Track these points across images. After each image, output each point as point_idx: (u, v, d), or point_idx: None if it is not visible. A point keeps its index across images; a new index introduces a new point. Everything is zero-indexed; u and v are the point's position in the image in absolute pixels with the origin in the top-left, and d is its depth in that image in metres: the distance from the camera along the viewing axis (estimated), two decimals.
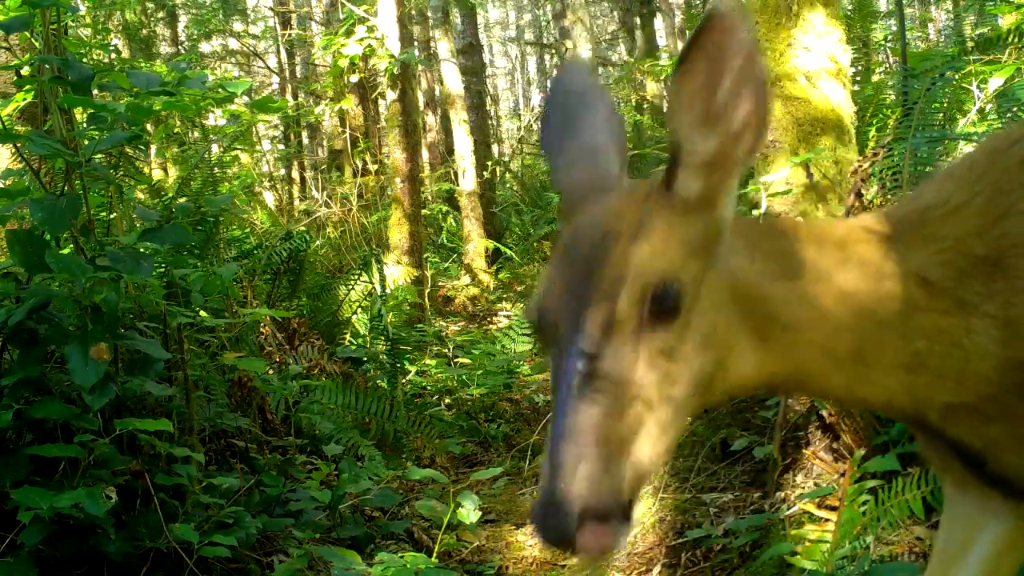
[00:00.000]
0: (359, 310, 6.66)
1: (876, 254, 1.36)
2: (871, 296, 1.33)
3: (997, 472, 1.40)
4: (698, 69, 1.17)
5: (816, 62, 4.36)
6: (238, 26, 16.91)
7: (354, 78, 11.45)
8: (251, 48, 17.51)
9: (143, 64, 8.56)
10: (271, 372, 4.62)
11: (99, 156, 2.85)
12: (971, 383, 1.34)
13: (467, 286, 10.71)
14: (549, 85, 1.46)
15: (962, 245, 1.35)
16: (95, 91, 2.76)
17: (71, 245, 2.86)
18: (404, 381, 5.69)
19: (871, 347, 1.33)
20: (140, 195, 5.60)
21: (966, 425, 1.38)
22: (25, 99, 3.32)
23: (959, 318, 1.33)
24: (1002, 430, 1.36)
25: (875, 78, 6.72)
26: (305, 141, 17.35)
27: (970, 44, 4.89)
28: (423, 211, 10.41)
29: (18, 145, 2.82)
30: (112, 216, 3.86)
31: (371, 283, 6.57)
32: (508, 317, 8.85)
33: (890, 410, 1.56)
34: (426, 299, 8.64)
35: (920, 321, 1.33)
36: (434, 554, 3.26)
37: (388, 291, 6.60)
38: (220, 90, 3.57)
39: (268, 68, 17.93)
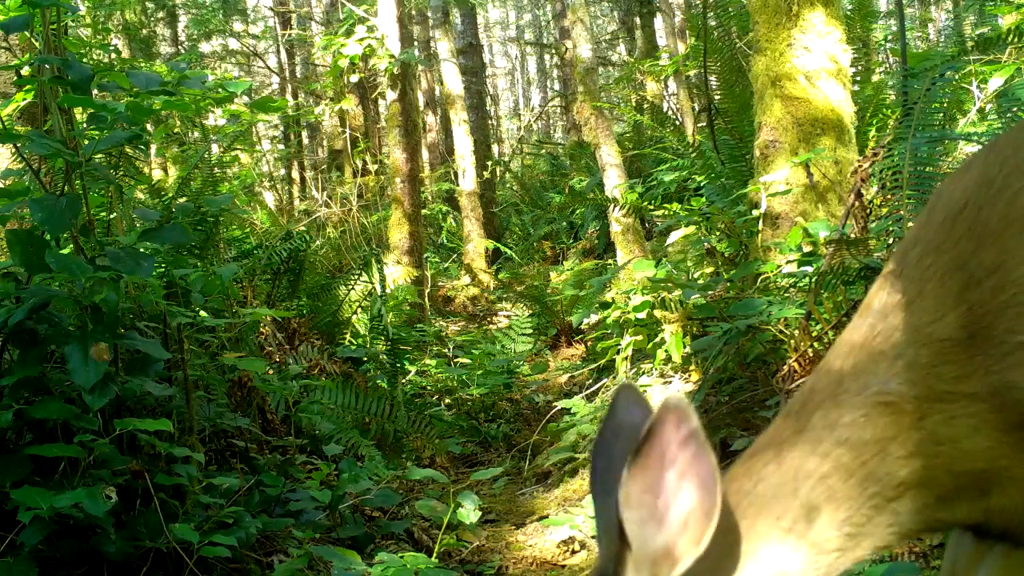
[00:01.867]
0: (359, 310, 6.66)
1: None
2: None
3: (999, 534, 1.41)
4: (650, 464, 1.26)
5: (816, 62, 4.36)
6: (238, 26, 16.91)
7: (354, 78, 11.46)
8: (251, 48, 17.51)
9: (143, 64, 8.56)
10: (271, 372, 4.62)
11: (99, 156, 2.85)
12: (965, 466, 1.36)
13: (467, 286, 10.72)
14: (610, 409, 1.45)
15: (923, 337, 1.38)
16: (95, 91, 2.76)
17: (71, 245, 2.86)
18: (404, 381, 5.69)
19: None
20: (140, 195, 5.59)
21: (964, 507, 1.39)
22: (25, 99, 3.32)
23: (936, 416, 1.35)
24: (1000, 498, 1.36)
25: (875, 78, 6.72)
26: (305, 141, 17.36)
27: (970, 44, 4.89)
28: (423, 211, 10.41)
29: (18, 145, 2.82)
30: (112, 216, 3.86)
31: (371, 283, 6.57)
32: (508, 317, 8.85)
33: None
34: (426, 299, 8.64)
35: (896, 451, 1.37)
36: (434, 554, 3.26)
37: (388, 291, 6.60)
38: (220, 90, 3.57)
39: (268, 68, 17.93)
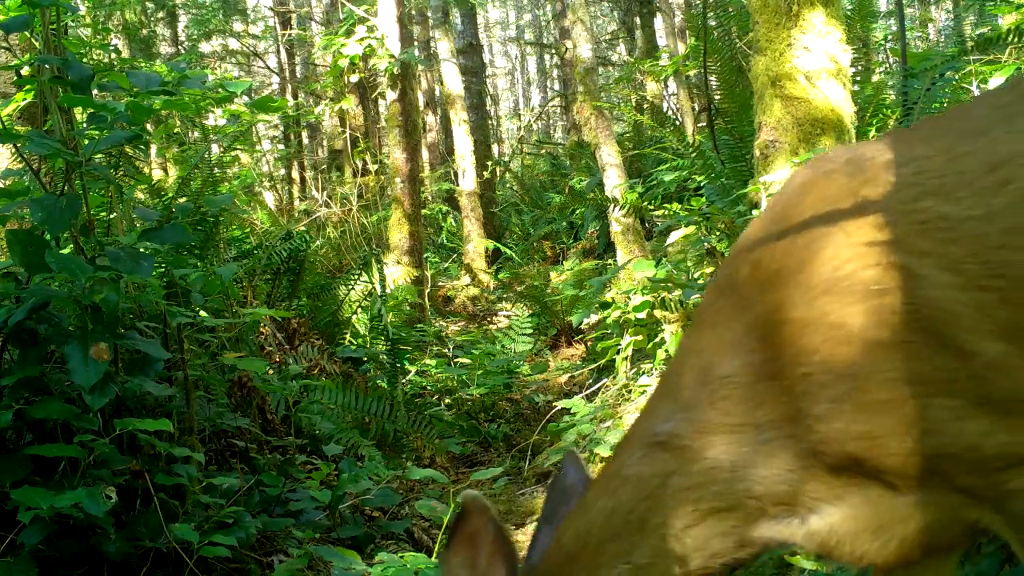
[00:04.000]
0: (359, 310, 6.66)
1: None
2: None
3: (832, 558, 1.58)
4: (460, 550, 1.61)
5: (816, 62, 4.36)
6: (238, 26, 16.91)
7: (354, 78, 11.46)
8: (251, 48, 17.51)
9: (143, 64, 8.56)
10: (271, 372, 4.62)
11: (99, 156, 2.85)
12: (761, 491, 1.52)
13: (467, 286, 10.71)
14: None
15: (707, 377, 1.55)
16: (95, 91, 2.76)
17: (71, 245, 2.86)
18: (404, 381, 5.68)
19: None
20: (140, 195, 5.59)
21: (778, 529, 1.53)
22: (25, 99, 3.32)
23: (721, 447, 1.53)
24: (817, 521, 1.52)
25: (875, 78, 6.72)
26: (305, 141, 17.35)
27: (970, 44, 4.89)
28: (423, 211, 10.41)
29: (18, 145, 2.82)
30: (112, 216, 3.86)
31: (371, 283, 6.57)
32: (508, 317, 8.85)
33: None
34: (426, 299, 8.64)
35: (678, 483, 1.56)
36: (434, 554, 3.26)
37: (388, 291, 6.60)
38: (220, 90, 3.57)
39: (268, 68, 17.93)
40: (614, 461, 1.66)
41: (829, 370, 1.45)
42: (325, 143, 16.45)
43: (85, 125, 2.76)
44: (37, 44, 3.02)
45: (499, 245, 11.51)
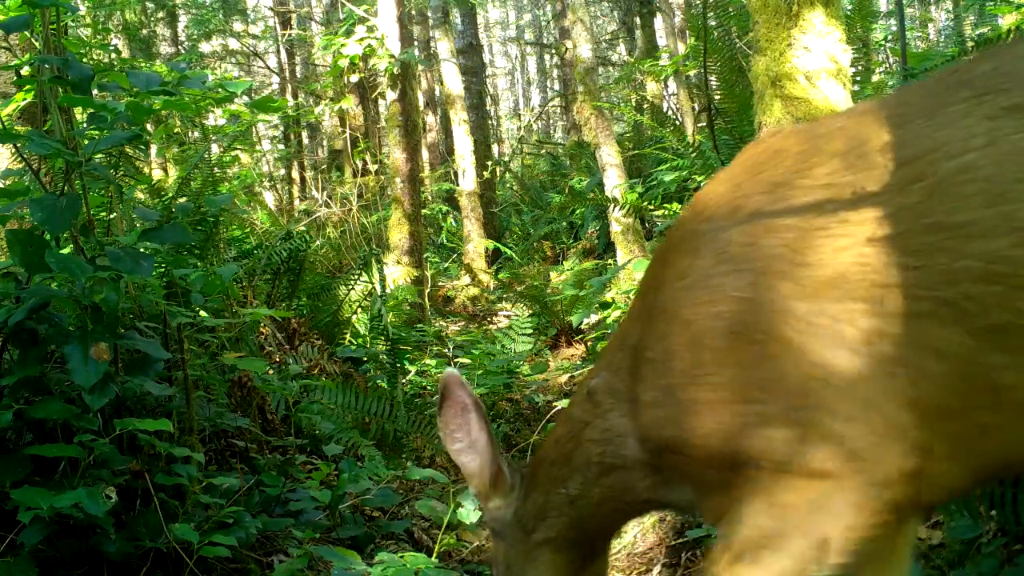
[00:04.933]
0: (359, 310, 6.66)
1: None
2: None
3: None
4: (452, 419, 2.09)
5: (816, 62, 4.36)
6: (238, 26, 16.90)
7: (354, 78, 11.45)
8: (251, 48, 17.51)
9: (143, 64, 8.56)
10: (271, 372, 4.62)
11: (99, 156, 2.85)
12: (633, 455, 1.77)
13: (467, 286, 10.71)
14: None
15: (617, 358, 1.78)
16: (95, 91, 2.76)
17: (71, 245, 2.86)
18: (404, 381, 5.68)
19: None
20: (140, 195, 5.59)
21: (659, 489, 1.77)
22: (25, 99, 3.32)
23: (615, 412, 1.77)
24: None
25: (875, 78, 6.72)
26: (305, 141, 17.36)
27: (970, 44, 4.89)
28: (423, 211, 10.41)
29: (18, 145, 2.82)
30: (112, 216, 3.86)
31: (371, 283, 6.56)
32: (508, 317, 8.85)
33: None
34: (426, 299, 8.64)
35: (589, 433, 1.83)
36: (434, 554, 3.26)
37: (388, 291, 6.60)
38: (220, 90, 3.57)
39: (268, 68, 17.93)
40: (573, 396, 1.96)
41: (665, 360, 1.58)
42: (325, 143, 16.45)
43: (85, 125, 2.75)
44: (37, 44, 3.02)
45: (499, 245, 11.51)
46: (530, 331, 7.40)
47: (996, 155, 1.34)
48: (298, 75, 16.89)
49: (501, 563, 2.01)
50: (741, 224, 1.52)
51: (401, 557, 2.82)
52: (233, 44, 16.93)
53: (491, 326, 9.05)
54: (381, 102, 10.47)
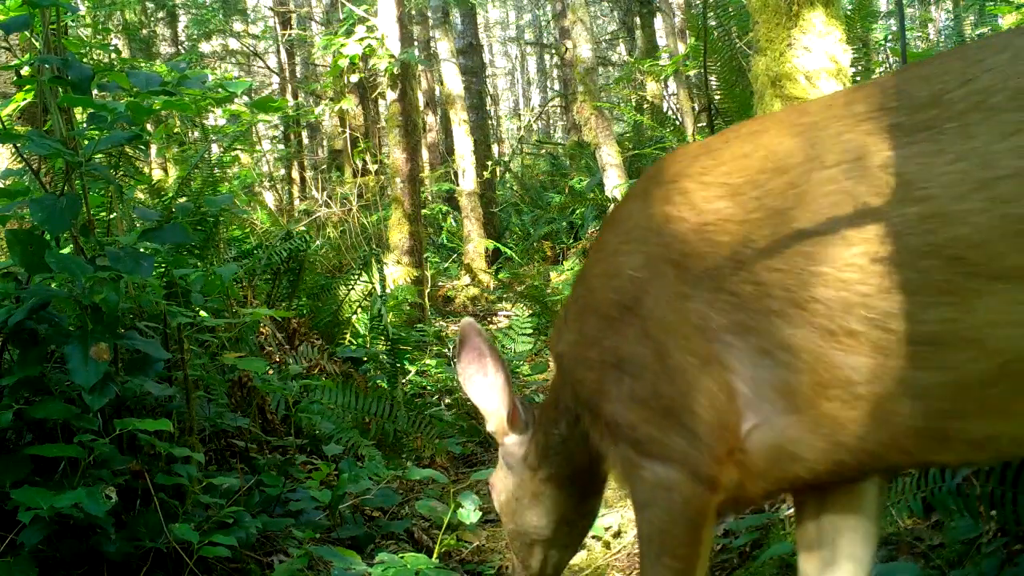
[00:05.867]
0: (359, 310, 6.66)
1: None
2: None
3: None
4: (470, 361, 2.19)
5: (816, 62, 4.36)
6: (238, 26, 16.90)
7: (354, 78, 11.46)
8: (251, 48, 17.51)
9: (143, 64, 8.56)
10: (271, 372, 4.62)
11: (99, 156, 2.85)
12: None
13: (467, 286, 10.71)
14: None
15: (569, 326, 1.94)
16: (95, 91, 2.76)
17: (71, 245, 2.86)
18: (404, 381, 5.68)
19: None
20: (140, 195, 5.59)
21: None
22: (25, 99, 3.32)
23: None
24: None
25: (875, 78, 6.70)
26: (305, 141, 17.35)
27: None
28: (423, 211, 10.41)
29: (18, 145, 2.82)
30: (112, 216, 3.86)
31: (371, 283, 6.56)
32: (508, 317, 8.85)
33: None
34: (426, 299, 8.64)
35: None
36: (434, 554, 3.26)
37: (388, 291, 6.60)
38: (220, 90, 3.57)
39: (268, 68, 17.93)
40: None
41: (574, 318, 1.84)
42: (325, 143, 16.45)
43: (85, 125, 2.75)
44: (37, 44, 3.02)
45: (499, 245, 11.51)
46: (530, 331, 7.40)
47: (858, 171, 1.44)
48: (298, 75, 16.89)
49: (511, 496, 2.20)
50: (647, 210, 1.70)
51: (401, 557, 2.82)
52: (233, 44, 16.93)
53: (491, 326, 9.04)
54: (381, 102, 10.48)
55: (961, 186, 1.33)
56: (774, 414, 1.53)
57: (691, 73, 10.45)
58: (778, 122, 1.64)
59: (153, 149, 8.89)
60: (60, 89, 2.69)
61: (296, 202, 14.69)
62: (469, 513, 3.46)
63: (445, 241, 12.89)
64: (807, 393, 1.48)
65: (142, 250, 2.70)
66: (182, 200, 4.91)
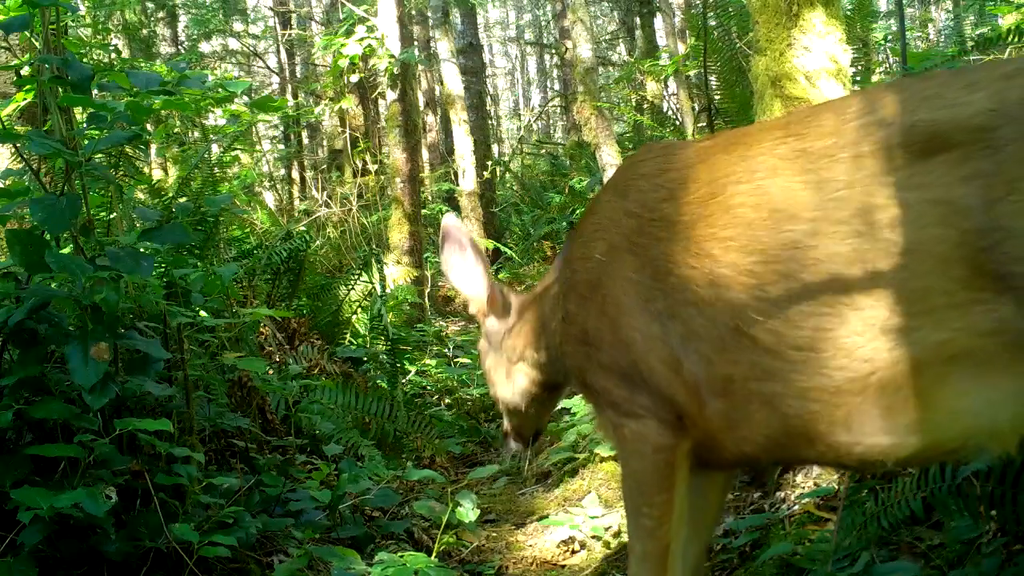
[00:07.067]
0: (359, 310, 6.66)
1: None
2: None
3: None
4: (452, 251, 2.45)
5: (816, 62, 4.36)
6: (238, 26, 16.90)
7: (354, 78, 11.44)
8: (251, 48, 17.50)
9: (143, 64, 8.56)
10: (271, 372, 4.62)
11: (99, 156, 2.85)
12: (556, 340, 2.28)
13: None
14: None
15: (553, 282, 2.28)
16: (95, 91, 2.76)
17: (71, 245, 2.86)
18: (404, 381, 5.68)
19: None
20: (140, 195, 5.59)
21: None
22: (25, 99, 3.32)
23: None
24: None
25: (875, 78, 6.71)
26: (305, 141, 17.34)
27: (970, 44, 4.89)
28: (423, 211, 10.41)
29: (18, 145, 2.82)
30: (112, 216, 3.86)
31: (371, 283, 6.56)
32: None
33: None
34: (426, 299, 8.64)
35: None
36: (434, 554, 3.26)
37: (388, 291, 6.60)
38: (220, 90, 3.57)
39: (268, 68, 17.93)
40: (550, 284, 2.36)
41: (562, 295, 2.10)
42: (325, 143, 16.44)
43: (85, 125, 2.75)
44: (37, 44, 3.02)
45: (499, 245, 11.50)
46: None
47: (762, 190, 1.66)
48: (298, 75, 16.88)
49: (490, 367, 2.52)
50: (613, 202, 1.98)
51: (401, 557, 2.82)
52: (233, 44, 16.93)
53: None
54: (381, 102, 10.47)
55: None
56: (709, 394, 1.75)
57: (691, 73, 10.44)
58: (724, 137, 1.88)
59: (153, 149, 8.89)
60: (60, 89, 2.69)
61: (296, 202, 14.68)
62: (469, 513, 3.46)
63: None
64: (720, 382, 1.71)
65: (142, 250, 2.70)
66: (182, 200, 4.92)
